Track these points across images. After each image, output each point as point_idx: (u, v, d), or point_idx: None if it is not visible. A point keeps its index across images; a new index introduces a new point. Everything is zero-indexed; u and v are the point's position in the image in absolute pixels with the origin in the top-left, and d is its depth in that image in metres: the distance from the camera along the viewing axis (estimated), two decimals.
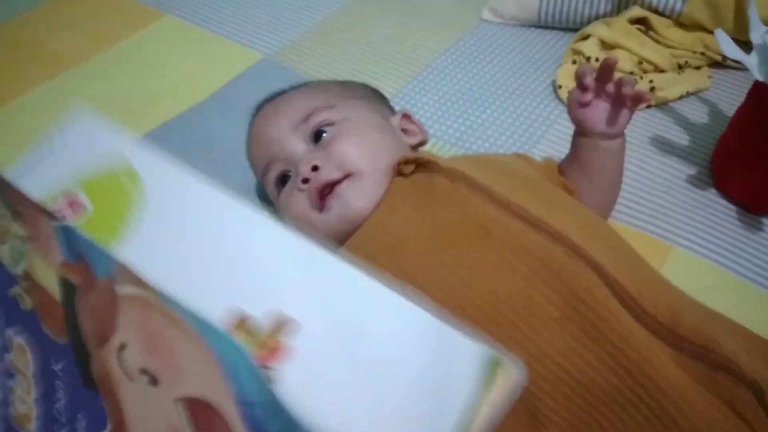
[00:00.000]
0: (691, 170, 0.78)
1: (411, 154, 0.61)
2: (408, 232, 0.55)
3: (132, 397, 0.26)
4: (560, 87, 0.87)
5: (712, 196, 0.75)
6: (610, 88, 0.62)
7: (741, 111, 0.72)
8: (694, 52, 0.89)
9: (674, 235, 0.71)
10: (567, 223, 0.53)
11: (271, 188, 0.66)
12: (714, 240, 0.70)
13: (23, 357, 0.28)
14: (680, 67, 0.89)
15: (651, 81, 0.85)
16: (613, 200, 0.70)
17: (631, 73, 0.86)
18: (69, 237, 0.26)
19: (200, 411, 0.24)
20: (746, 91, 0.72)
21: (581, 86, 0.63)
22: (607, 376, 0.45)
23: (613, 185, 0.69)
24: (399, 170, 0.60)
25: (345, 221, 0.60)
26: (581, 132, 0.66)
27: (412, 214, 0.56)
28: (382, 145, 0.62)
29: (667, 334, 0.47)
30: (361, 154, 0.61)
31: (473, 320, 0.49)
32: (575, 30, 0.94)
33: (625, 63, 0.86)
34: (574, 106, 0.64)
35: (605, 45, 0.88)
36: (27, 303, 0.28)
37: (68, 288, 0.26)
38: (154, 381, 0.25)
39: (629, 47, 0.87)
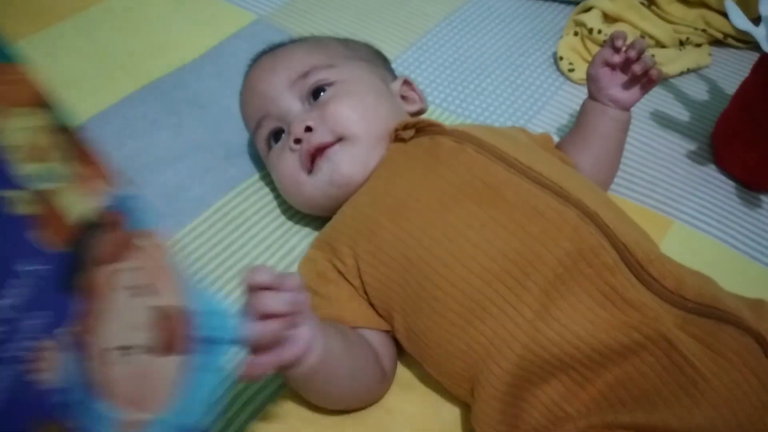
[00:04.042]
0: (691, 146, 0.77)
1: (411, 119, 0.59)
2: (411, 193, 0.53)
3: (114, 302, 0.34)
4: (561, 59, 0.85)
5: (711, 171, 0.74)
6: (637, 68, 0.63)
7: (745, 85, 0.72)
8: (696, 29, 0.89)
9: (673, 209, 0.70)
10: (577, 186, 0.52)
11: (262, 145, 0.65)
12: (713, 215, 0.70)
13: None
14: (681, 43, 0.88)
15: (652, 55, 0.84)
16: (611, 177, 0.70)
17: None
18: (118, 201, 0.35)
19: (161, 315, 0.35)
20: (747, 69, 0.72)
21: (613, 47, 0.64)
22: (615, 335, 0.45)
23: (613, 158, 0.68)
24: (397, 136, 0.58)
25: (334, 185, 0.58)
26: (592, 94, 0.66)
27: (415, 176, 0.55)
28: (380, 111, 0.60)
29: (672, 297, 0.47)
30: (357, 118, 0.59)
31: (481, 279, 0.48)
32: (577, 2, 0.92)
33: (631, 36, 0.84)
34: (598, 63, 0.65)
35: (607, 17, 0.87)
36: (20, 209, 0.31)
37: (93, 223, 0.34)
38: (138, 294, 0.35)
39: (631, 21, 0.86)
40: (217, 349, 0.37)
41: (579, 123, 0.68)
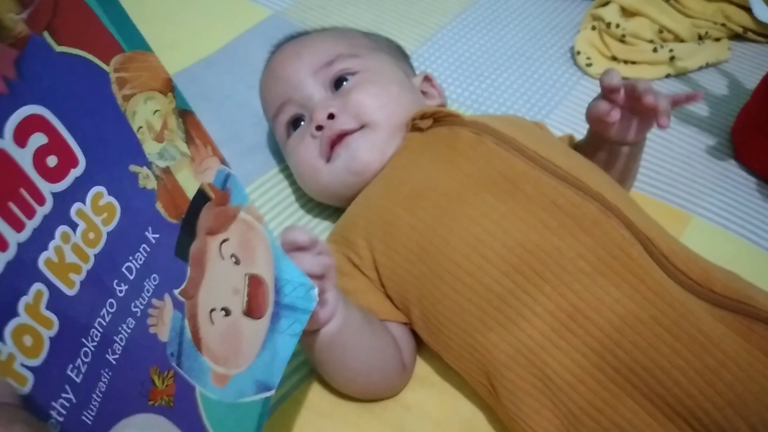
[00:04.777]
0: (711, 141, 0.76)
1: (429, 108, 0.59)
2: (427, 183, 0.53)
3: (217, 269, 0.39)
4: (579, 53, 0.85)
5: (731, 167, 0.73)
6: (641, 105, 0.53)
7: (766, 81, 0.71)
8: (715, 23, 0.88)
9: (694, 204, 0.69)
10: (598, 181, 0.51)
11: (281, 131, 0.64)
12: (733, 211, 0.69)
13: (106, 213, 0.34)
14: (700, 37, 0.87)
15: (671, 50, 0.83)
16: (629, 184, 0.66)
17: (651, 41, 0.84)
18: (225, 178, 0.39)
19: (255, 282, 0.40)
20: (766, 64, 0.71)
21: (609, 99, 0.55)
22: (640, 330, 0.44)
23: (629, 174, 0.64)
24: (414, 125, 0.58)
25: (351, 173, 0.58)
26: (596, 135, 0.60)
27: (432, 166, 0.54)
28: (402, 101, 0.60)
29: (701, 290, 0.46)
30: (380, 105, 0.59)
31: (499, 271, 0.47)
32: None
33: (645, 31, 0.84)
34: (595, 121, 0.57)
35: (625, 11, 0.86)
36: (149, 183, 0.36)
37: (204, 197, 0.38)
38: (237, 262, 0.39)
39: (650, 14, 0.85)
40: (298, 316, 0.40)
41: (587, 146, 0.62)
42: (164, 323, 0.37)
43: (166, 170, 0.37)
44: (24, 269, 0.30)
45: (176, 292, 0.37)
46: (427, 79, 0.67)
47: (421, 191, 0.53)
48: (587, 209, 0.48)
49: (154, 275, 0.36)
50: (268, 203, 0.69)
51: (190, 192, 0.38)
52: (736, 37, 0.89)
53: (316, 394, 0.53)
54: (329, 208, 0.66)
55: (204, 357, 0.38)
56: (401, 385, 0.54)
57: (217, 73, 0.83)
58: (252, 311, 0.39)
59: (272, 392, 0.39)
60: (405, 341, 0.54)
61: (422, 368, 0.56)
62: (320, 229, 0.66)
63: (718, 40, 0.88)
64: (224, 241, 0.39)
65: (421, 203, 0.52)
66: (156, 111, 0.36)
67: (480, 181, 0.51)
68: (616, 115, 0.54)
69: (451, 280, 0.49)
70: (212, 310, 0.39)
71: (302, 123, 0.62)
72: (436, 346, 0.53)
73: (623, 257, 0.46)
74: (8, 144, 0.30)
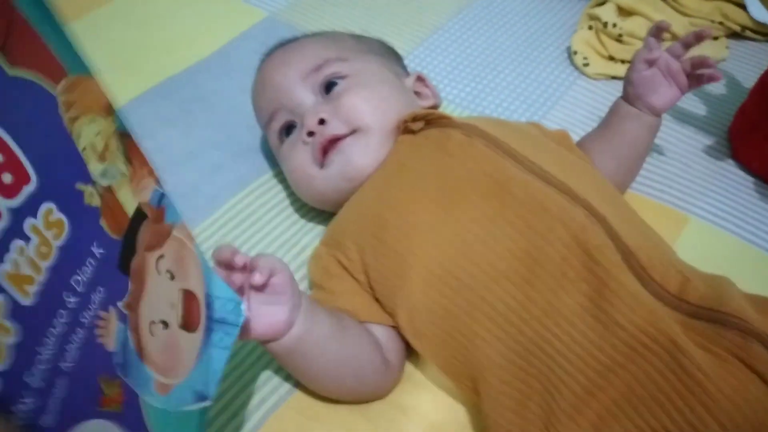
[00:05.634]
0: (708, 141, 0.76)
1: (420, 110, 0.59)
2: (417, 187, 0.53)
3: (154, 283, 0.41)
4: (575, 53, 0.84)
5: (729, 167, 0.73)
6: (687, 65, 0.62)
7: (764, 79, 0.70)
8: (712, 22, 0.87)
9: (691, 205, 0.69)
10: (585, 187, 0.51)
11: (274, 138, 0.64)
12: (731, 211, 0.69)
13: (56, 228, 0.35)
14: None
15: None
16: (631, 179, 0.68)
17: None
18: (159, 197, 0.41)
19: (189, 296, 0.42)
20: (765, 63, 0.70)
21: (655, 39, 0.62)
22: (622, 336, 0.44)
23: (637, 163, 0.67)
24: (406, 127, 0.58)
25: (345, 179, 0.58)
26: (628, 98, 0.65)
27: (423, 169, 0.54)
28: (393, 103, 0.60)
29: (673, 301, 0.46)
30: (371, 109, 0.58)
31: (488, 277, 0.47)
32: None
33: (641, 30, 0.83)
34: (640, 65, 0.63)
35: (622, 11, 0.85)
36: (93, 201, 0.37)
37: (141, 215, 0.40)
38: (172, 277, 0.41)
39: (646, 14, 0.85)
40: (228, 329, 0.42)
41: (607, 125, 0.66)
42: (110, 334, 0.39)
43: (109, 189, 0.38)
44: None
45: (120, 304, 0.39)
46: (419, 79, 0.67)
47: (411, 194, 0.53)
48: (575, 213, 0.48)
49: (100, 288, 0.38)
50: (263, 207, 0.69)
51: (130, 210, 0.40)
52: (734, 35, 0.88)
53: (310, 399, 0.53)
54: (324, 213, 0.66)
55: (147, 367, 0.41)
56: (387, 385, 0.54)
57: (212, 76, 0.83)
58: (187, 324, 0.42)
59: (208, 402, 0.41)
60: (392, 342, 0.53)
61: (418, 371, 0.56)
62: (315, 233, 0.66)
63: (716, 38, 0.87)
64: (160, 257, 0.41)
65: (412, 207, 0.52)
66: (98, 133, 0.38)
67: (469, 183, 0.51)
68: (655, 53, 0.63)
69: (438, 284, 0.49)
70: (152, 323, 0.41)
71: (294, 129, 0.62)
72: (423, 350, 0.52)
73: (605, 263, 0.46)
74: None
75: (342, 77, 0.61)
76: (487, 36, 0.89)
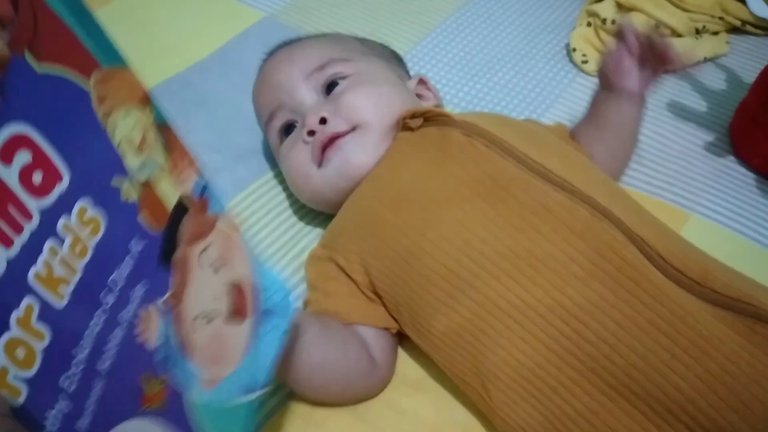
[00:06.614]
0: (709, 137, 0.75)
1: (419, 108, 0.58)
2: (416, 186, 0.53)
3: (199, 277, 0.40)
4: (574, 50, 0.84)
5: (730, 163, 0.73)
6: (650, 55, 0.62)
7: (765, 74, 0.70)
8: (713, 17, 0.86)
9: (692, 202, 0.69)
10: (588, 183, 0.51)
11: (274, 137, 0.64)
12: (732, 208, 0.68)
13: (91, 226, 0.34)
14: (698, 31, 0.86)
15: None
16: (624, 166, 0.68)
17: None
18: (202, 188, 0.40)
19: (235, 288, 0.40)
20: (766, 58, 0.70)
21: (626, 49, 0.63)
22: (637, 334, 0.43)
23: (627, 148, 0.67)
24: (405, 124, 0.57)
25: (343, 177, 0.58)
26: (606, 86, 0.65)
27: (421, 168, 0.54)
28: (395, 101, 0.60)
29: (701, 290, 0.45)
30: (371, 105, 0.58)
31: (490, 275, 0.47)
32: None
33: (641, 26, 0.82)
34: (615, 72, 0.64)
35: (621, 7, 0.85)
36: (131, 196, 0.36)
37: (184, 207, 0.39)
38: (217, 270, 0.40)
39: (646, 10, 0.84)
40: (278, 320, 0.41)
41: (591, 113, 0.67)
42: (151, 331, 0.38)
43: (147, 182, 0.37)
44: (14, 284, 0.31)
45: (162, 300, 0.38)
46: (421, 82, 0.67)
47: (409, 194, 0.53)
48: (579, 213, 0.48)
49: (140, 285, 0.37)
50: (262, 209, 0.68)
51: (170, 203, 0.39)
52: (734, 30, 0.88)
53: (308, 403, 0.53)
54: (322, 214, 0.66)
55: (191, 362, 0.40)
56: (377, 384, 0.54)
57: (211, 78, 0.83)
58: (234, 317, 0.41)
59: (257, 393, 0.40)
60: (380, 342, 0.53)
61: (417, 373, 0.55)
62: (313, 235, 0.66)
63: (716, 34, 0.87)
64: (204, 249, 0.40)
65: (410, 206, 0.52)
66: (135, 125, 0.37)
67: (470, 185, 0.51)
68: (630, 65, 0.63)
69: (440, 283, 0.49)
70: (197, 317, 0.40)
71: (294, 129, 0.62)
72: (427, 349, 0.52)
73: (617, 260, 0.45)
74: None
75: (344, 77, 0.61)
76: (486, 34, 0.89)
